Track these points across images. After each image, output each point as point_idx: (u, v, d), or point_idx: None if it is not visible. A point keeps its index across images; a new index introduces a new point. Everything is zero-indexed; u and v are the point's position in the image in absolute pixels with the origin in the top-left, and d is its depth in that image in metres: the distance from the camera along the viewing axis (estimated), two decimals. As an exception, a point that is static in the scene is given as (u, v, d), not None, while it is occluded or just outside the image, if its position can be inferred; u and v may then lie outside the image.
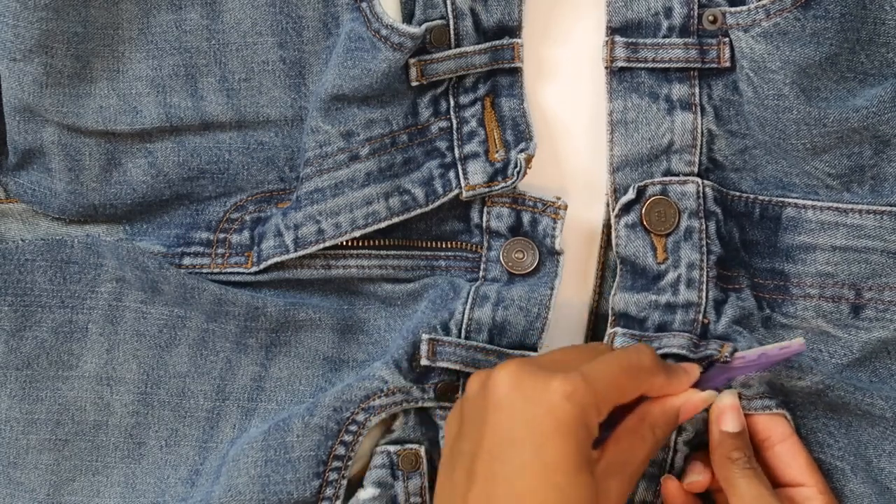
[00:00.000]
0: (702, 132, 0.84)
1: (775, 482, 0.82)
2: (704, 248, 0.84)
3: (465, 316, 0.83)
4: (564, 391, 0.73)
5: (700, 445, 0.85)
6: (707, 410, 0.83)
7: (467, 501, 0.74)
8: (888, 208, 0.82)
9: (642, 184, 0.84)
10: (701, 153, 0.85)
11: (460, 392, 0.85)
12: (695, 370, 0.81)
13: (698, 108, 0.84)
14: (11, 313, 0.86)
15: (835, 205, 0.83)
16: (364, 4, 0.82)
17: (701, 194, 0.84)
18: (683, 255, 0.84)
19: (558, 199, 0.85)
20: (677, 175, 0.85)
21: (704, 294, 0.84)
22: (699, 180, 0.84)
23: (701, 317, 0.84)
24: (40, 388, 0.86)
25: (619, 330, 0.84)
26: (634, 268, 0.85)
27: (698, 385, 0.80)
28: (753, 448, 0.82)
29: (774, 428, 0.83)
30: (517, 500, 0.73)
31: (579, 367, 0.75)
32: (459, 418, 0.78)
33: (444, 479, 0.77)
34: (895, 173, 0.83)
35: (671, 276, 0.84)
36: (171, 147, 0.85)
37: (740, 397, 0.82)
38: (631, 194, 0.84)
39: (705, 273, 0.84)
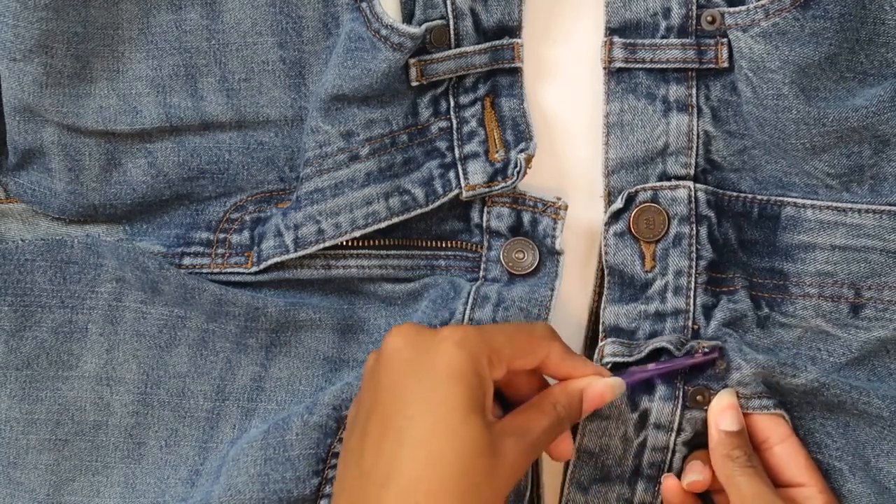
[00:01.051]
0: (698, 134, 0.84)
1: (775, 483, 0.82)
2: (694, 254, 0.84)
3: (466, 316, 0.84)
4: (454, 338, 0.74)
5: (698, 446, 0.85)
6: (704, 410, 0.83)
7: (363, 462, 0.74)
8: (888, 207, 0.82)
9: (633, 190, 0.84)
10: (697, 155, 0.85)
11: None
12: (604, 369, 0.81)
13: (695, 110, 0.84)
14: (11, 313, 0.86)
15: (834, 204, 0.83)
16: (364, 4, 0.82)
17: (692, 199, 0.84)
18: (671, 262, 0.84)
19: (559, 199, 0.85)
20: (671, 178, 0.85)
21: (692, 300, 0.84)
22: (691, 184, 0.84)
23: (690, 323, 0.84)
24: (40, 388, 0.86)
25: (608, 341, 0.84)
26: (622, 278, 0.85)
27: (620, 376, 0.81)
28: (753, 449, 0.83)
29: (773, 429, 0.83)
30: (410, 447, 0.72)
31: (472, 325, 0.77)
32: (356, 400, 0.79)
33: (343, 454, 0.77)
34: (895, 173, 0.83)
35: (658, 284, 0.84)
36: (171, 147, 0.85)
37: (738, 397, 0.83)
38: (619, 203, 0.84)
39: (693, 279, 0.84)
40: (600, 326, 0.85)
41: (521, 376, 0.80)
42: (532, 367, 0.79)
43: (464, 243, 0.86)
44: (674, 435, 0.84)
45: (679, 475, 0.84)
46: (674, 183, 0.84)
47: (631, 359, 0.83)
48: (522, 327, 0.79)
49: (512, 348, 0.77)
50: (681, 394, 0.83)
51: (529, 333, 0.78)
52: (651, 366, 0.82)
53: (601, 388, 0.80)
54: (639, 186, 0.84)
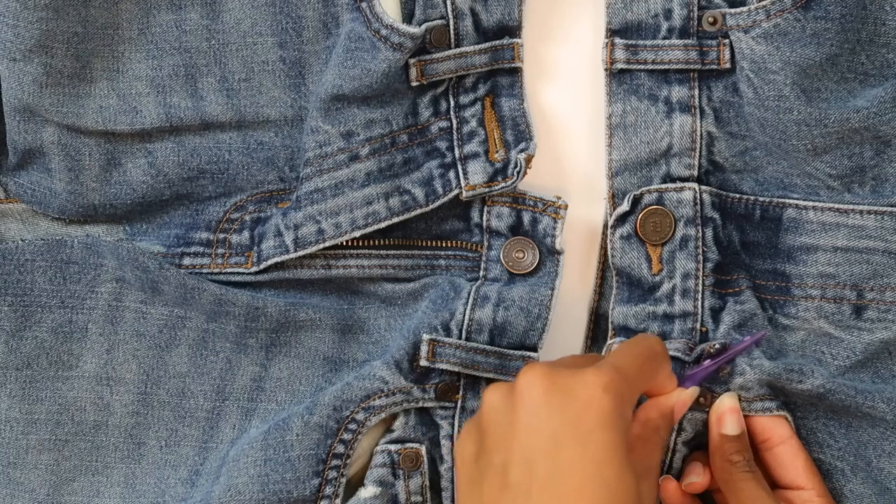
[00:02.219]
0: (701, 135, 0.84)
1: (774, 483, 0.82)
2: (700, 257, 0.84)
3: (466, 316, 0.83)
4: (602, 382, 0.71)
5: (698, 446, 0.85)
6: (706, 411, 0.83)
7: None
8: (889, 209, 0.82)
9: (638, 192, 0.84)
10: (700, 156, 0.85)
11: (461, 393, 0.85)
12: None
13: (697, 111, 0.84)
14: (11, 313, 0.86)
15: (836, 205, 0.83)
16: (364, 4, 0.82)
17: (698, 201, 0.84)
18: (678, 265, 0.84)
19: (559, 198, 0.85)
20: (675, 180, 0.85)
21: (700, 303, 0.84)
22: (696, 186, 0.84)
23: (699, 325, 0.84)
24: (40, 388, 0.86)
25: (617, 340, 0.84)
26: (630, 279, 0.85)
27: (680, 383, 0.80)
28: (753, 449, 0.82)
29: (774, 429, 0.83)
30: (565, 499, 0.69)
31: (605, 361, 0.74)
32: (478, 434, 0.74)
33: (469, 498, 0.74)
34: (896, 174, 0.83)
35: (666, 287, 0.84)
36: (171, 147, 0.85)
37: (740, 399, 0.82)
38: (626, 206, 0.84)
39: (700, 282, 0.84)
40: (609, 325, 0.85)
41: None
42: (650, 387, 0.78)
43: (464, 243, 0.86)
44: (675, 435, 0.84)
45: (679, 475, 0.84)
46: (679, 185, 0.84)
47: None
48: (646, 349, 0.76)
49: (644, 380, 0.75)
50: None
51: (653, 356, 0.76)
52: (707, 362, 0.82)
53: (687, 399, 0.79)
54: (644, 189, 0.84)
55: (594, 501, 0.69)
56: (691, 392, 0.80)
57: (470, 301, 0.84)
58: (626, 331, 0.84)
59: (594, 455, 0.70)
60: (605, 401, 0.70)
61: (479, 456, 0.73)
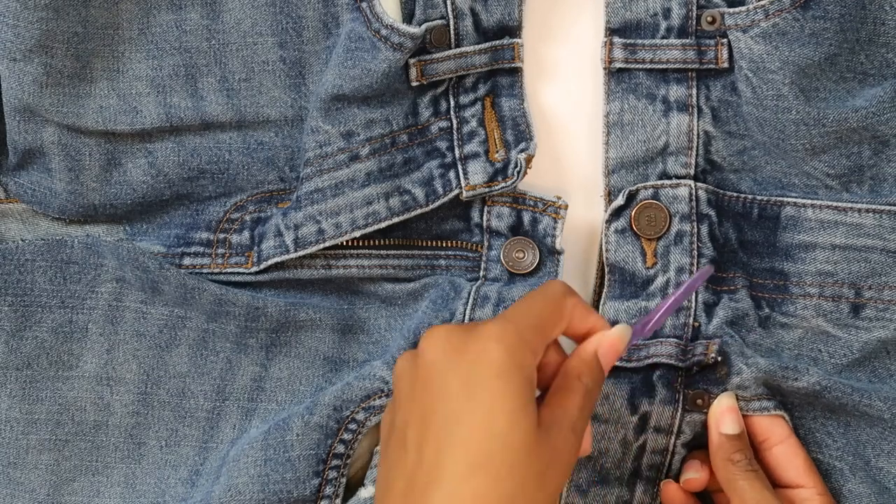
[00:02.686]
0: (698, 134, 0.84)
1: (774, 483, 0.82)
2: (695, 252, 0.84)
3: (466, 316, 0.84)
4: (493, 334, 0.70)
5: (696, 447, 0.85)
6: (704, 413, 0.83)
7: (404, 468, 0.71)
8: (888, 207, 0.82)
9: (634, 188, 0.84)
10: (697, 155, 0.85)
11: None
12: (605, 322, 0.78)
13: (695, 110, 0.84)
14: (11, 313, 0.86)
15: (834, 203, 0.83)
16: (364, 4, 0.82)
17: (693, 197, 0.84)
18: (673, 259, 0.84)
19: (559, 198, 0.85)
20: (672, 178, 0.85)
21: (694, 297, 0.84)
22: (692, 183, 0.84)
23: (691, 320, 0.84)
24: (40, 388, 0.86)
25: None
26: (623, 275, 0.85)
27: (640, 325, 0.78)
28: (752, 449, 0.83)
29: (773, 429, 0.83)
30: (456, 450, 0.69)
31: (501, 314, 0.73)
32: (391, 404, 0.75)
33: (382, 462, 0.74)
34: (894, 173, 0.83)
35: (660, 280, 0.84)
36: (171, 147, 0.85)
37: (738, 399, 0.83)
38: (620, 200, 0.84)
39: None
40: None
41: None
42: (561, 333, 0.75)
43: (464, 243, 0.86)
44: (673, 438, 0.84)
45: (677, 477, 0.84)
46: (675, 181, 0.84)
47: (629, 364, 0.83)
48: (542, 298, 0.75)
49: (544, 326, 0.73)
50: (681, 397, 0.83)
51: (552, 300, 0.74)
52: (656, 307, 0.79)
53: (611, 341, 0.76)
54: (640, 185, 0.84)
55: (482, 451, 0.68)
56: (617, 331, 0.76)
57: (470, 301, 0.84)
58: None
59: (484, 406, 0.69)
60: (494, 352, 0.70)
61: (390, 422, 0.74)
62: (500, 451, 0.69)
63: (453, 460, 0.69)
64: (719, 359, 0.82)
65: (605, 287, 0.85)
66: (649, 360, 0.83)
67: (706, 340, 0.83)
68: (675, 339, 0.83)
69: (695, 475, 0.83)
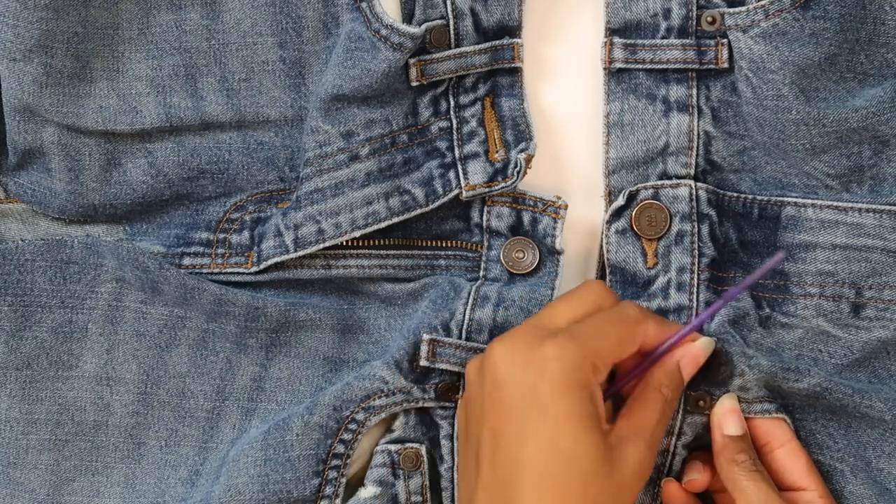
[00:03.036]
0: (698, 134, 0.84)
1: (776, 486, 0.82)
2: (696, 251, 0.84)
3: (466, 316, 0.84)
4: (553, 353, 0.74)
5: (697, 448, 0.85)
6: (706, 414, 0.83)
7: (478, 486, 0.74)
8: (888, 207, 0.82)
9: (634, 188, 0.84)
10: (697, 155, 0.85)
11: (461, 392, 0.85)
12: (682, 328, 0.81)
13: (695, 110, 0.84)
14: (11, 313, 0.86)
15: (834, 203, 0.83)
16: (364, 4, 0.82)
17: (694, 197, 0.84)
18: (674, 259, 0.84)
19: (559, 198, 0.85)
20: (672, 178, 0.85)
21: (695, 297, 0.84)
22: (692, 183, 0.84)
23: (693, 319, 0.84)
24: (40, 388, 0.86)
25: None
26: (624, 275, 0.85)
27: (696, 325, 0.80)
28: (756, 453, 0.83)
29: (774, 432, 0.83)
30: (525, 470, 0.72)
31: (564, 329, 0.76)
32: (464, 409, 0.79)
33: (460, 473, 0.78)
34: (894, 173, 0.83)
35: (661, 280, 0.84)
36: (171, 147, 0.85)
37: (739, 401, 0.83)
38: (621, 200, 0.84)
39: (696, 276, 0.84)
40: None
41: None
42: (634, 353, 0.79)
43: (464, 243, 0.86)
44: (674, 439, 0.84)
45: (678, 477, 0.84)
46: (675, 181, 0.84)
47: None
48: (616, 319, 0.78)
49: (611, 346, 0.77)
50: (681, 398, 0.83)
51: (625, 322, 0.78)
52: (719, 302, 0.81)
53: (694, 354, 0.80)
54: (640, 185, 0.84)
55: (550, 472, 0.72)
56: (701, 344, 0.80)
57: (470, 301, 0.84)
58: None
59: (549, 425, 0.72)
60: (556, 371, 0.73)
61: (465, 429, 0.78)
62: (568, 472, 0.72)
63: (526, 481, 0.72)
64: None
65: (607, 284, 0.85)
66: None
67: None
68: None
69: (697, 476, 0.83)
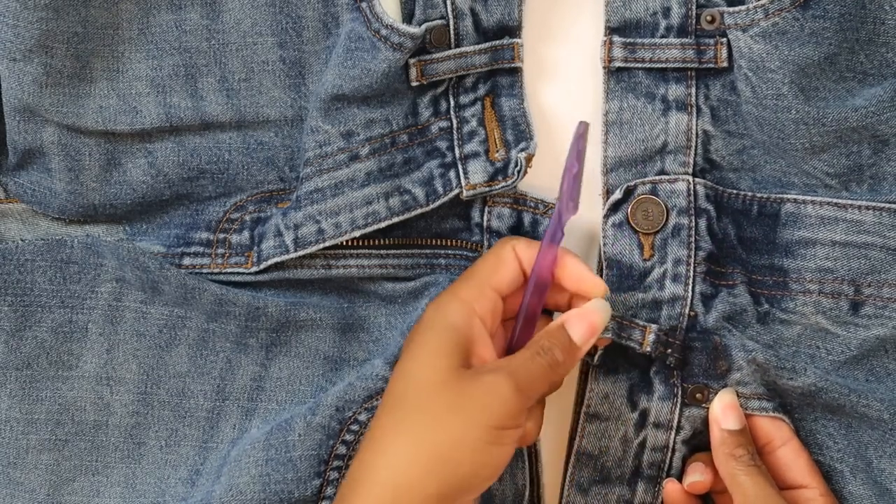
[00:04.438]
0: (697, 133, 0.85)
1: (778, 485, 0.82)
2: (693, 245, 0.84)
3: (466, 315, 0.84)
4: (430, 303, 0.80)
5: (697, 447, 0.85)
6: (704, 408, 0.83)
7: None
8: (887, 205, 0.82)
9: (632, 183, 0.84)
10: (696, 154, 0.85)
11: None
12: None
13: (694, 109, 0.84)
14: (11, 313, 0.86)
15: (834, 200, 0.83)
16: (364, 4, 0.82)
17: (691, 192, 0.84)
18: (670, 251, 0.84)
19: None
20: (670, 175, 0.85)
21: (690, 287, 0.84)
22: (690, 178, 0.84)
23: (688, 310, 0.84)
24: (40, 388, 0.86)
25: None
26: (621, 268, 0.85)
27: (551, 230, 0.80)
28: (756, 448, 0.83)
29: (776, 431, 0.83)
30: (386, 400, 0.78)
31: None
32: None
33: None
34: (894, 172, 0.83)
35: (657, 272, 0.84)
36: (171, 147, 0.85)
37: (738, 396, 0.83)
38: (618, 194, 0.84)
39: (692, 268, 0.84)
40: None
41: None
42: (513, 278, 0.80)
43: (464, 242, 0.86)
44: (673, 433, 0.84)
45: (679, 476, 0.84)
46: (673, 176, 0.84)
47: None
48: (489, 251, 0.82)
49: (485, 273, 0.79)
50: (679, 391, 0.84)
51: (495, 248, 0.81)
52: (570, 203, 0.81)
53: (584, 313, 0.80)
54: (638, 180, 0.84)
55: (397, 393, 0.77)
56: (592, 306, 0.80)
57: (470, 300, 0.84)
58: (612, 318, 0.84)
59: (407, 356, 0.79)
60: (425, 312, 0.80)
61: None
62: (409, 390, 0.76)
63: (385, 403, 0.78)
64: (654, 348, 0.82)
65: (604, 280, 0.85)
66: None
67: (646, 325, 0.83)
68: (656, 327, 0.83)
69: (699, 478, 0.83)
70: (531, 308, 0.80)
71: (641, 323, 0.83)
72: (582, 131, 0.79)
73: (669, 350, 0.83)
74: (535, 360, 0.77)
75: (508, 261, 0.80)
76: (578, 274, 0.80)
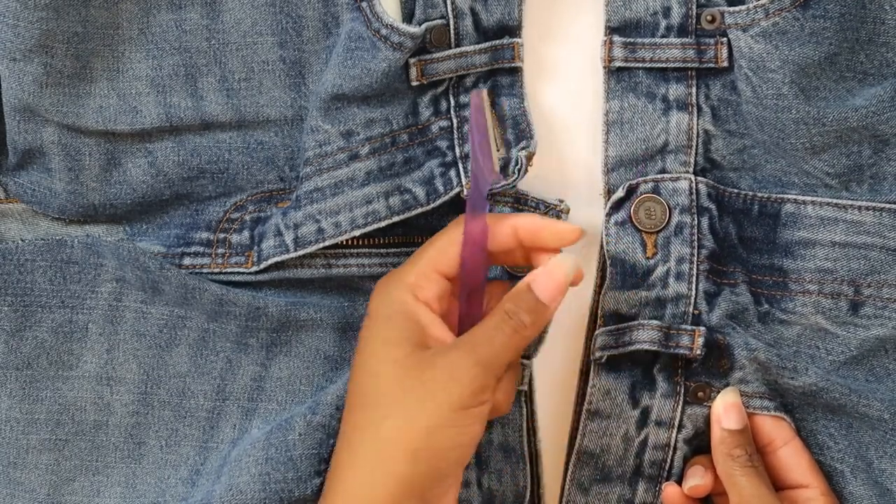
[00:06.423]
0: (697, 132, 0.85)
1: (779, 485, 0.82)
2: (696, 243, 0.84)
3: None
4: (375, 288, 0.80)
5: (699, 447, 0.85)
6: (707, 406, 0.83)
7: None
8: (887, 205, 0.82)
9: (634, 182, 0.84)
10: (697, 153, 0.85)
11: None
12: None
13: (695, 109, 0.84)
14: (11, 313, 0.86)
15: (834, 200, 0.83)
16: (364, 4, 0.82)
17: (694, 190, 0.84)
18: (673, 249, 0.84)
19: (561, 201, 0.85)
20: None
21: (694, 286, 0.84)
22: (692, 176, 0.84)
23: (691, 308, 0.84)
24: (40, 388, 0.86)
25: (605, 328, 0.84)
26: (623, 266, 0.85)
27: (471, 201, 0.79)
28: (757, 452, 0.83)
29: (778, 431, 0.83)
30: (347, 398, 0.78)
31: None
32: None
33: None
34: (894, 172, 0.83)
35: (660, 270, 0.84)
36: (171, 147, 0.85)
37: (740, 395, 0.83)
38: (621, 192, 0.84)
39: (695, 266, 0.84)
40: (599, 312, 0.85)
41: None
42: (458, 253, 0.78)
43: (464, 242, 0.86)
44: (675, 432, 0.84)
45: (680, 475, 0.84)
46: (675, 175, 0.84)
47: (616, 351, 0.83)
48: (437, 234, 0.80)
49: (431, 256, 0.78)
50: (682, 389, 0.84)
51: (444, 229, 0.80)
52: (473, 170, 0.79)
53: (550, 270, 0.77)
54: (640, 179, 0.84)
55: (359, 392, 0.77)
56: (558, 261, 0.77)
57: (470, 299, 0.84)
58: (616, 317, 0.84)
59: (359, 349, 0.79)
60: (371, 302, 0.79)
61: None
62: (368, 386, 0.76)
63: (346, 406, 0.78)
64: (704, 351, 0.82)
65: (607, 278, 0.85)
66: (631, 348, 0.83)
67: (693, 328, 0.83)
68: (657, 322, 0.83)
69: (699, 481, 0.83)
70: (471, 281, 0.78)
71: (688, 328, 0.83)
72: (477, 102, 0.78)
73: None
74: (500, 328, 0.75)
75: (458, 242, 0.79)
76: (534, 227, 0.79)
